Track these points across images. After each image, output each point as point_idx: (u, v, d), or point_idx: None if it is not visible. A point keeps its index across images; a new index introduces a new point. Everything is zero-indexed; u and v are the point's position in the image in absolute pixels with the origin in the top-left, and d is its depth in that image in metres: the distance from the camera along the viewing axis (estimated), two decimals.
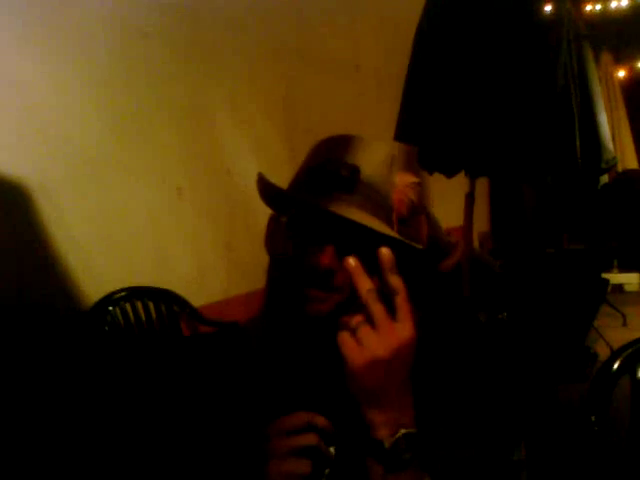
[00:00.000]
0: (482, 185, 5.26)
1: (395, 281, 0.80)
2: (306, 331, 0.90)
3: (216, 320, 2.59)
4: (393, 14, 4.09)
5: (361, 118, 3.67)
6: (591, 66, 3.01)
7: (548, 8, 3.14)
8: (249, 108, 3.09)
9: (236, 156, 2.94)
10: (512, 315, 2.61)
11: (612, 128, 5.25)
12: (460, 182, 2.83)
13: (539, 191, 5.61)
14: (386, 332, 0.78)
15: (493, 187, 5.93)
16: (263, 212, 0.99)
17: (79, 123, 2.27)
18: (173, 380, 0.98)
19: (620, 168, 5.68)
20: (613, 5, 5.82)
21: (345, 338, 0.79)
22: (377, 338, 0.78)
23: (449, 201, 3.81)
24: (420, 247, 0.92)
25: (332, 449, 0.83)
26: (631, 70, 6.51)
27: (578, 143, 2.78)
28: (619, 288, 5.98)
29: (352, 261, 0.80)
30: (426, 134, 2.61)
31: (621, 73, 6.43)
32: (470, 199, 2.75)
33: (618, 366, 1.30)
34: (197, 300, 2.64)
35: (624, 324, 4.81)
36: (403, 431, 0.79)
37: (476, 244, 4.98)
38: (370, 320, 0.78)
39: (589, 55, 3.01)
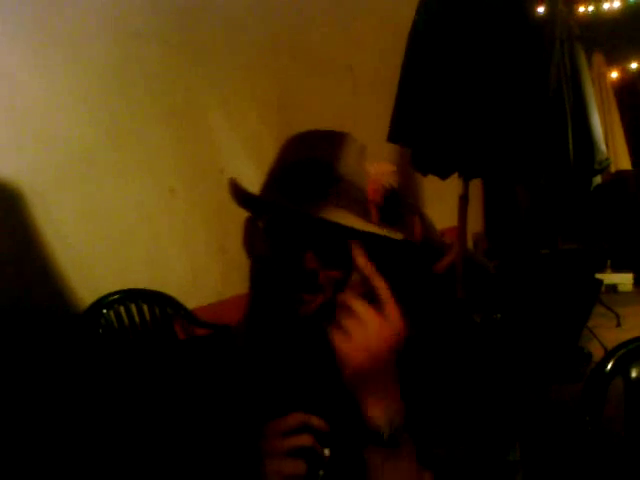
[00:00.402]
0: (476, 186, 5.27)
1: (375, 280, 0.81)
2: (296, 332, 0.90)
3: (211, 322, 2.58)
4: (387, 15, 4.09)
5: (355, 119, 3.67)
6: (584, 67, 3.02)
7: (541, 9, 3.16)
8: (242, 108, 3.08)
9: (229, 156, 2.94)
10: (506, 316, 2.61)
11: (605, 129, 5.26)
12: (454, 183, 2.83)
13: (533, 192, 5.63)
14: (372, 323, 0.79)
15: (487, 188, 5.94)
16: None
17: (71, 123, 2.26)
18: (167, 383, 0.98)
19: (613, 169, 5.69)
20: (605, 6, 5.84)
21: (336, 333, 0.80)
22: (364, 330, 0.79)
23: (443, 202, 3.82)
24: (400, 237, 0.91)
25: (327, 450, 0.83)
26: (623, 71, 6.53)
27: (571, 144, 2.79)
28: (613, 288, 6.00)
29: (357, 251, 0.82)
30: (420, 136, 2.61)
31: (614, 74, 6.45)
32: (464, 200, 2.75)
33: (612, 367, 1.30)
34: (191, 302, 2.63)
35: (618, 324, 4.82)
36: (399, 420, 0.80)
37: (470, 245, 4.99)
38: (357, 315, 0.80)
39: (582, 56, 3.02)
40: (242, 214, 1.00)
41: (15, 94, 2.08)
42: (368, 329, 0.79)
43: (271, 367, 0.94)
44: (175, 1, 2.69)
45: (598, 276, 4.35)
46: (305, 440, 0.80)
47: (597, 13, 5.83)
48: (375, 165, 0.98)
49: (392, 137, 2.70)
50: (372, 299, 0.81)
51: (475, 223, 5.63)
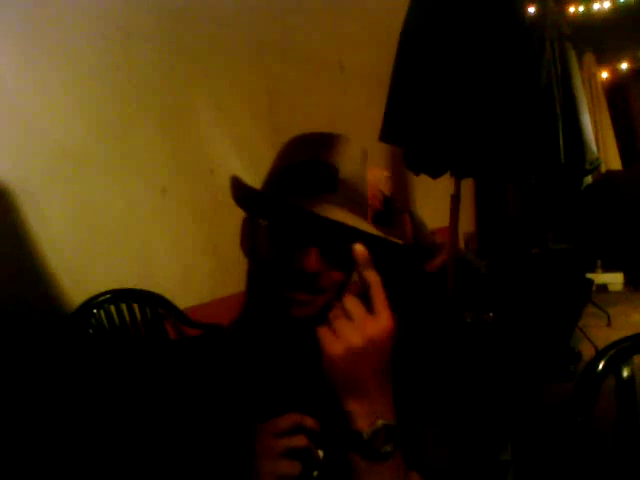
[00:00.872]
0: (468, 186, 5.29)
1: (370, 275, 0.81)
2: (293, 334, 0.90)
3: (202, 322, 2.57)
4: (378, 14, 4.10)
5: (346, 118, 3.68)
6: (574, 67, 3.04)
7: (532, 9, 3.17)
8: (233, 108, 3.07)
9: (220, 156, 2.93)
10: (498, 315, 2.62)
11: (595, 129, 5.29)
12: (445, 183, 2.84)
13: (524, 191, 5.65)
14: (360, 322, 0.79)
15: (479, 188, 5.96)
16: None
17: (61, 122, 2.24)
18: (159, 383, 0.97)
19: (604, 169, 5.73)
20: (596, 7, 5.88)
21: (322, 330, 0.80)
22: (352, 328, 0.79)
23: (435, 202, 3.83)
24: (400, 242, 0.92)
25: (321, 452, 0.83)
26: (614, 71, 6.57)
27: (562, 144, 2.80)
28: (603, 288, 6.04)
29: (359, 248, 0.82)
30: (411, 135, 2.61)
31: (604, 74, 6.48)
32: (455, 200, 2.76)
33: (603, 366, 1.31)
34: (182, 302, 2.62)
35: (608, 324, 4.84)
36: (381, 422, 0.79)
37: (462, 244, 5.00)
38: (347, 313, 0.80)
39: (572, 56, 3.04)
40: (233, 214, 0.99)
41: (3, 93, 2.06)
42: (356, 329, 0.78)
43: (263, 367, 0.94)
44: (165, 1, 2.68)
45: (589, 276, 4.38)
46: (300, 441, 0.80)
47: (588, 13, 5.86)
48: (371, 171, 0.99)
49: (384, 136, 2.70)
50: (365, 297, 0.81)
51: (467, 223, 5.65)
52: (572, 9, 5.77)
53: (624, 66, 6.56)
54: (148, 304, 2.51)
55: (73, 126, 2.29)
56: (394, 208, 3.00)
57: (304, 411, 0.82)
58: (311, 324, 0.84)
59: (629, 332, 1.42)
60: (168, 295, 2.55)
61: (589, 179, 3.05)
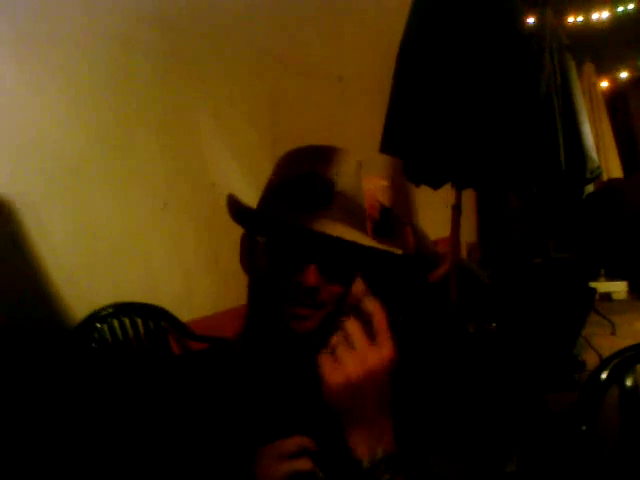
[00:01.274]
0: (470, 196, 5.29)
1: (371, 305, 0.80)
2: (294, 348, 0.90)
3: (205, 335, 2.57)
4: (378, 25, 4.12)
5: (346, 128, 3.68)
6: (574, 77, 3.05)
7: (531, 20, 3.18)
8: (233, 119, 3.08)
9: (221, 168, 2.93)
10: (501, 325, 2.61)
11: (596, 138, 5.30)
12: (447, 193, 2.84)
13: (525, 201, 5.65)
14: (362, 352, 0.77)
15: (480, 198, 5.96)
16: None
17: (60, 136, 2.25)
18: (163, 399, 0.97)
19: (605, 177, 5.73)
20: (595, 17, 5.90)
21: (324, 358, 0.79)
22: (353, 358, 0.77)
23: (436, 212, 3.83)
24: (400, 252, 0.91)
25: (324, 475, 0.83)
26: (613, 80, 6.59)
27: (562, 153, 2.80)
28: (607, 297, 6.02)
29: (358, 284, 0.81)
30: (412, 146, 2.62)
31: (604, 83, 6.50)
32: (456, 210, 2.75)
33: (607, 376, 1.30)
34: (185, 315, 2.62)
35: (613, 332, 4.83)
36: (381, 451, 0.78)
37: (464, 254, 4.99)
38: (350, 339, 0.79)
39: (571, 66, 3.05)
40: (235, 226, 1.00)
41: (2, 106, 2.06)
42: (356, 358, 0.77)
43: (266, 385, 0.93)
44: (162, 12, 2.68)
45: (592, 284, 4.37)
46: (304, 464, 0.80)
47: (586, 23, 5.88)
48: (369, 181, 0.99)
49: (384, 148, 2.70)
50: (368, 325, 0.80)
51: (469, 233, 5.65)
52: (571, 19, 5.80)
53: (624, 75, 6.58)
54: (151, 318, 2.50)
55: (72, 140, 2.29)
56: (395, 219, 3.00)
57: (306, 431, 0.82)
58: (312, 339, 0.84)
59: (634, 341, 1.42)
60: (170, 308, 2.55)
61: (590, 188, 3.05)
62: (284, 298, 0.88)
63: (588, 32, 5.71)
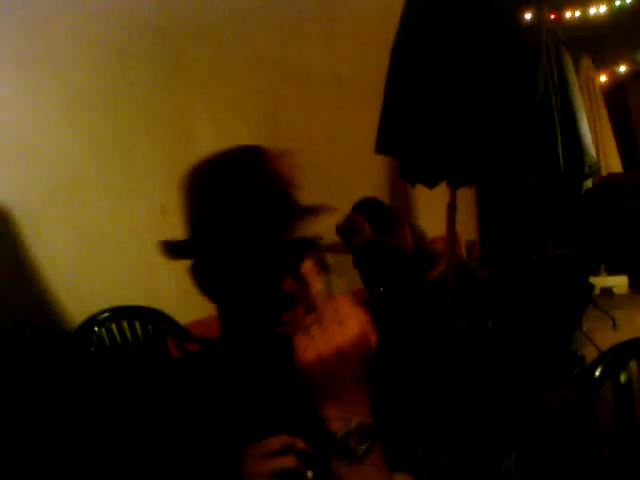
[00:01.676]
0: (469, 194, 5.29)
1: (316, 284, 0.87)
2: (278, 349, 0.91)
3: (204, 337, 2.57)
4: (374, 26, 4.11)
5: (343, 131, 3.68)
6: (571, 72, 3.04)
7: (528, 16, 3.18)
8: (231, 124, 3.08)
9: None
10: (498, 322, 2.61)
11: (595, 133, 5.29)
12: (445, 192, 2.84)
13: (524, 197, 5.64)
14: (330, 330, 0.81)
15: (480, 196, 5.95)
16: None
17: (56, 143, 2.26)
18: (158, 402, 0.98)
19: (604, 172, 5.72)
20: (592, 11, 5.89)
21: (299, 337, 0.82)
22: (323, 335, 0.81)
23: (435, 211, 3.82)
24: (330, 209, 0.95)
25: (310, 472, 0.83)
26: (612, 75, 6.57)
27: (560, 149, 2.80)
28: (608, 291, 6.00)
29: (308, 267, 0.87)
30: (406, 146, 2.61)
31: (602, 78, 6.49)
32: (452, 209, 2.75)
33: (600, 372, 1.30)
34: (183, 317, 2.62)
35: (614, 327, 4.81)
36: (355, 422, 0.80)
37: (463, 252, 4.99)
38: (322, 320, 0.82)
39: (568, 61, 3.05)
40: None
41: (2, 113, 2.07)
42: (326, 336, 0.81)
43: (250, 384, 0.94)
44: (158, 20, 2.69)
45: (593, 279, 4.35)
46: (289, 462, 0.80)
47: (584, 18, 5.87)
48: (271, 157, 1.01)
49: (379, 148, 2.70)
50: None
51: (468, 231, 5.64)
52: (568, 14, 5.78)
53: (622, 69, 6.56)
54: (149, 320, 2.50)
55: (69, 147, 2.31)
56: (393, 218, 3.00)
57: (292, 427, 0.83)
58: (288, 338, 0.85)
59: (634, 335, 1.41)
60: (169, 311, 2.55)
61: (589, 183, 3.05)
62: (266, 309, 0.91)
63: (586, 27, 5.70)
